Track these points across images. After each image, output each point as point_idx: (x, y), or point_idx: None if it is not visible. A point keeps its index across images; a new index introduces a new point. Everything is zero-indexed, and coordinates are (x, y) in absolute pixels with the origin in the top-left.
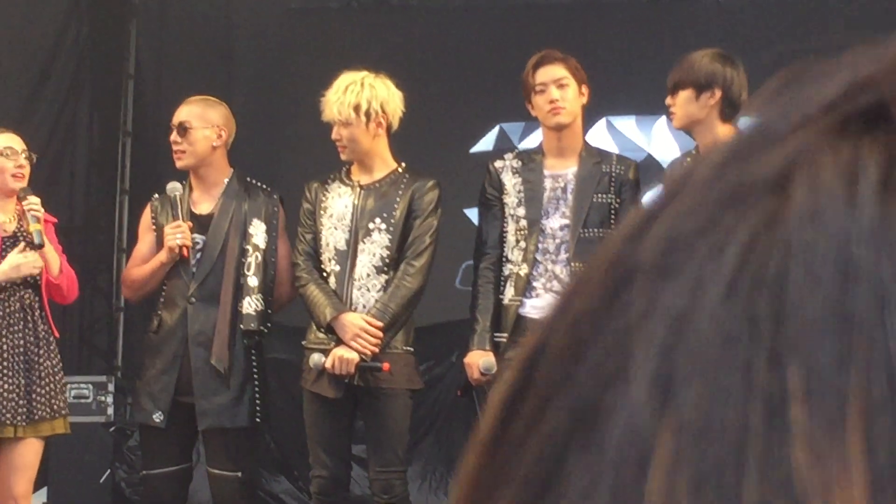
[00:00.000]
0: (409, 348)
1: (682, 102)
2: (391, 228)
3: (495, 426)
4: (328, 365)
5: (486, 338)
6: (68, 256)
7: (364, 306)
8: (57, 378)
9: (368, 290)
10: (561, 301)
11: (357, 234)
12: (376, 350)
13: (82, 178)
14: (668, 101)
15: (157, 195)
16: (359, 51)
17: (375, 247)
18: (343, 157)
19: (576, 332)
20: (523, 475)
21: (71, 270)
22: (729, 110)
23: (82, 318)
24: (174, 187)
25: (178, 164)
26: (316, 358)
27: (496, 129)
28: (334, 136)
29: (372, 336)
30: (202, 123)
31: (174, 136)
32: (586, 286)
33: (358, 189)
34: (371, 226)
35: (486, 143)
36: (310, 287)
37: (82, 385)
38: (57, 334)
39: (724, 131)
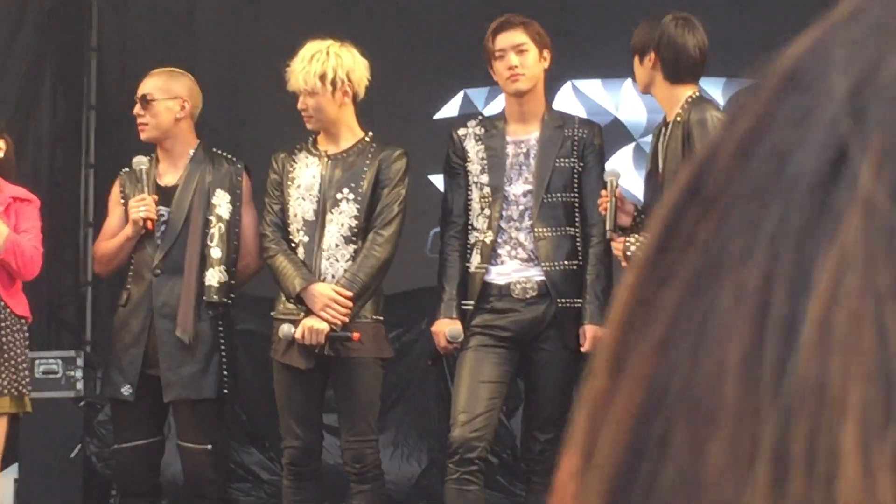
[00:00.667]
0: (378, 317)
1: (635, 69)
2: (359, 198)
3: (661, 237)
4: (298, 335)
5: (453, 306)
6: None
7: (333, 276)
8: (13, 354)
9: (337, 259)
10: (727, 120)
11: (325, 204)
12: (346, 320)
13: (47, 152)
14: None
15: (125, 169)
16: (322, 18)
17: (344, 216)
18: (309, 126)
19: (748, 131)
20: (692, 267)
21: (29, 247)
22: (672, 69)
23: (50, 294)
24: (139, 161)
25: (142, 136)
26: (286, 329)
27: (460, 95)
28: (300, 105)
29: (342, 306)
30: (165, 95)
31: (137, 109)
32: (752, 101)
33: (325, 159)
34: (339, 196)
35: (450, 109)
36: (278, 258)
37: (51, 360)
38: (18, 311)
39: (677, 92)
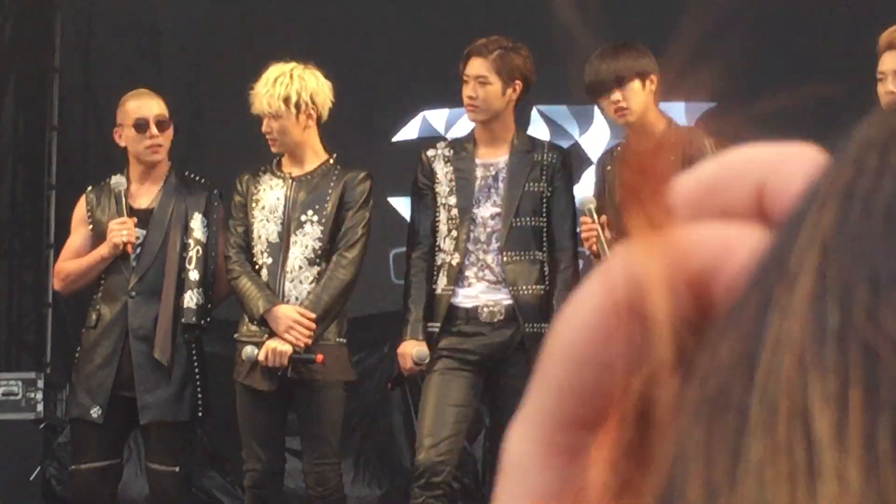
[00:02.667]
0: (342, 339)
1: (629, 95)
2: (323, 220)
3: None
4: (261, 357)
5: (419, 327)
6: None
7: (297, 298)
8: None
9: (301, 282)
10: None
11: (289, 226)
12: (309, 342)
13: (8, 173)
14: (619, 96)
15: (91, 187)
16: (283, 39)
17: (307, 239)
18: (274, 149)
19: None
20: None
21: None
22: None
23: (10, 315)
24: (118, 182)
25: (156, 157)
26: (249, 350)
27: (420, 117)
28: (265, 128)
29: (305, 327)
30: (166, 118)
31: (154, 131)
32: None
33: (290, 181)
34: (303, 218)
35: (409, 131)
36: (242, 279)
37: (11, 382)
38: None
39: (663, 116)
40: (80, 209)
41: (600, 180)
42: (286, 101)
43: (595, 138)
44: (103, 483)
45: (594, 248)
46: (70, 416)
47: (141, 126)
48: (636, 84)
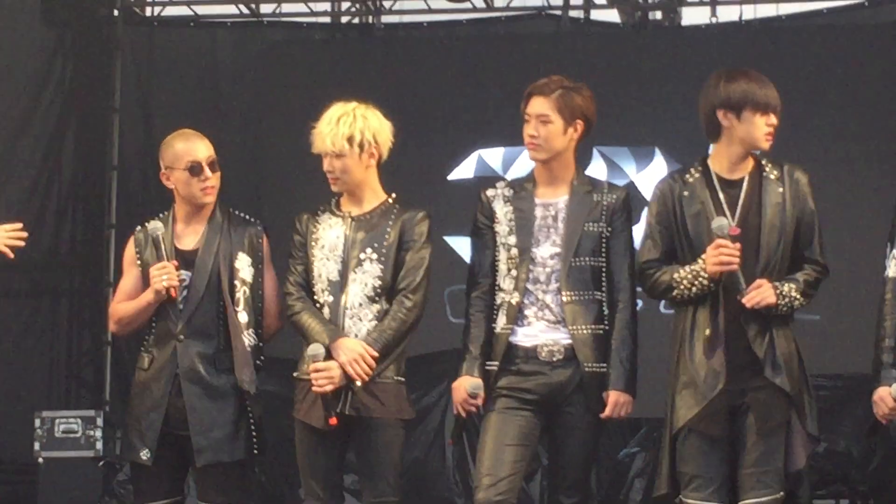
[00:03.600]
0: (400, 378)
1: (741, 126)
2: (382, 258)
3: None
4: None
5: (475, 365)
6: (55, 291)
7: (356, 335)
8: None
9: (360, 319)
10: None
11: (348, 263)
12: (367, 378)
13: (69, 212)
14: (775, 120)
15: (139, 228)
16: (339, 81)
17: (367, 276)
18: (334, 188)
19: None
20: None
21: None
22: None
23: (70, 353)
24: (155, 227)
25: (208, 199)
26: (315, 348)
27: (475, 156)
28: (326, 167)
29: (366, 363)
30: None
31: (208, 173)
32: None
33: (349, 220)
34: (362, 256)
35: (464, 170)
36: (304, 315)
37: (71, 419)
38: None
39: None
40: (130, 250)
41: (670, 206)
42: (350, 140)
43: (652, 176)
44: None
45: (720, 272)
46: (122, 459)
47: (195, 169)
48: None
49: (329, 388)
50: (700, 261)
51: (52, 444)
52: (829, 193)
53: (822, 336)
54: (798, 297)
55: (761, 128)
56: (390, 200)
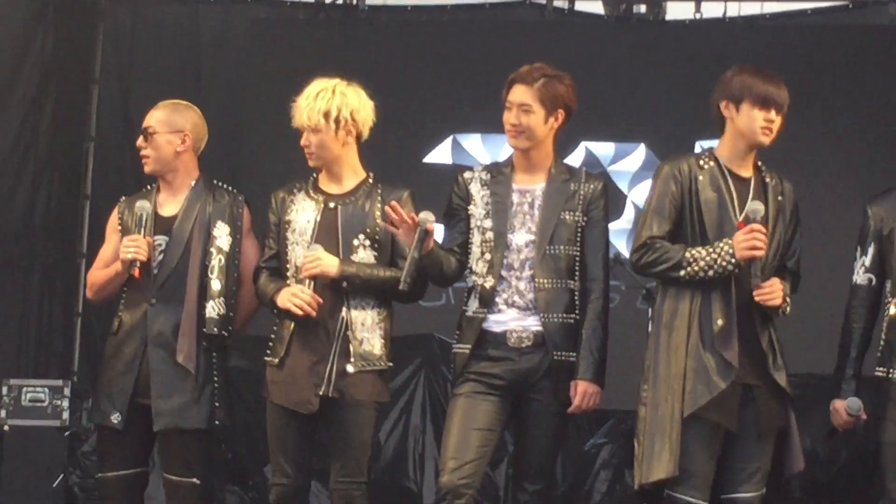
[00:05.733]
0: (390, 364)
1: (778, 124)
2: (375, 244)
3: None
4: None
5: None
6: (28, 261)
7: (362, 324)
8: None
9: (363, 308)
10: None
11: (340, 251)
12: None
13: (44, 182)
14: (774, 116)
15: (124, 198)
16: (321, 60)
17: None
18: (310, 163)
19: None
20: None
21: None
22: None
23: (40, 323)
24: (142, 206)
25: (145, 168)
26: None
27: (450, 140)
28: (303, 142)
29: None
30: (166, 129)
31: (140, 141)
32: None
33: (322, 204)
34: (355, 242)
35: (441, 153)
36: (260, 279)
37: (38, 389)
38: None
39: None
40: (113, 219)
41: (686, 186)
42: (326, 115)
43: (625, 168)
44: (129, 491)
45: (747, 257)
46: (93, 422)
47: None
48: (781, 116)
49: (316, 272)
50: (725, 244)
51: (18, 413)
52: (807, 192)
53: (795, 334)
54: (788, 301)
55: (758, 121)
56: (370, 180)
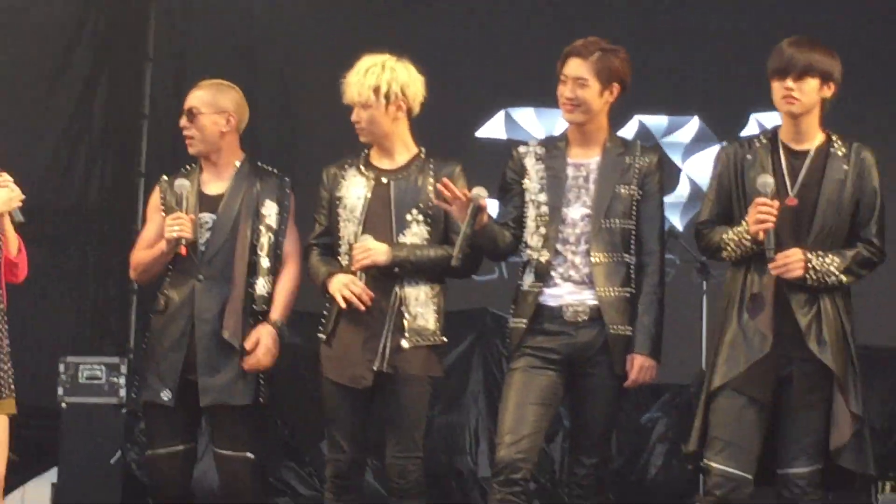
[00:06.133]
0: (444, 338)
1: (810, 90)
2: (428, 219)
3: None
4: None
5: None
6: (84, 239)
7: (416, 299)
8: (6, 355)
9: (417, 283)
10: None
11: (395, 226)
12: (366, 260)
13: (99, 160)
14: (790, 83)
15: (165, 176)
16: (370, 34)
17: (416, 239)
18: (362, 139)
19: None
20: None
21: (24, 251)
22: (828, 104)
23: (96, 301)
24: (181, 184)
25: (190, 150)
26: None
27: (502, 114)
28: (353, 117)
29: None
30: (211, 109)
31: (183, 122)
32: None
33: (373, 181)
34: (409, 217)
35: (493, 128)
36: (313, 259)
37: (95, 366)
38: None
39: (817, 122)
40: (154, 198)
41: (732, 169)
42: (376, 91)
43: (680, 140)
44: (178, 467)
45: (762, 234)
46: (142, 400)
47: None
48: (814, 82)
49: (367, 262)
50: (744, 222)
51: (75, 391)
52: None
53: (866, 306)
54: (837, 272)
55: (779, 91)
56: (422, 155)
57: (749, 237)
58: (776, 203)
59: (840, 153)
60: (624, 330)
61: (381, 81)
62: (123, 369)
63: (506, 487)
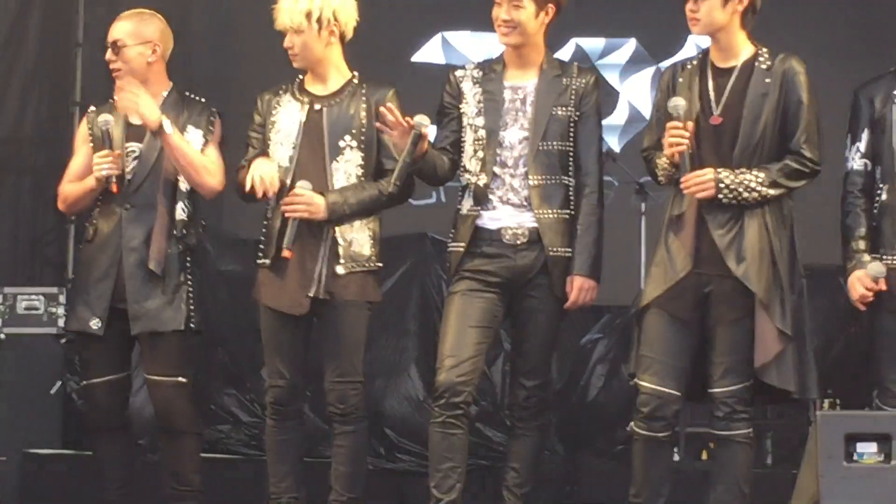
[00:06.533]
0: (380, 264)
1: (708, 9)
2: (362, 145)
3: None
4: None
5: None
6: (19, 169)
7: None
8: None
9: None
10: None
11: (327, 153)
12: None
13: (33, 90)
14: (691, 6)
15: (93, 108)
16: None
17: (350, 165)
18: (295, 65)
19: None
20: None
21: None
22: (750, 17)
23: (34, 230)
24: (106, 120)
25: (117, 83)
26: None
27: (438, 38)
28: (286, 43)
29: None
30: (135, 40)
31: (109, 55)
32: None
33: (308, 105)
34: (341, 144)
35: (429, 52)
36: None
37: (33, 296)
38: None
39: (742, 37)
40: (82, 130)
41: (666, 94)
42: (308, 15)
43: (614, 63)
44: (113, 396)
45: (676, 157)
46: (70, 329)
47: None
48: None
49: (304, 216)
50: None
51: (13, 321)
52: None
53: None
54: (760, 188)
55: (687, 14)
56: (355, 80)
57: (665, 159)
58: (689, 125)
59: (764, 66)
60: (563, 252)
61: (313, 6)
62: (62, 299)
63: (447, 410)
